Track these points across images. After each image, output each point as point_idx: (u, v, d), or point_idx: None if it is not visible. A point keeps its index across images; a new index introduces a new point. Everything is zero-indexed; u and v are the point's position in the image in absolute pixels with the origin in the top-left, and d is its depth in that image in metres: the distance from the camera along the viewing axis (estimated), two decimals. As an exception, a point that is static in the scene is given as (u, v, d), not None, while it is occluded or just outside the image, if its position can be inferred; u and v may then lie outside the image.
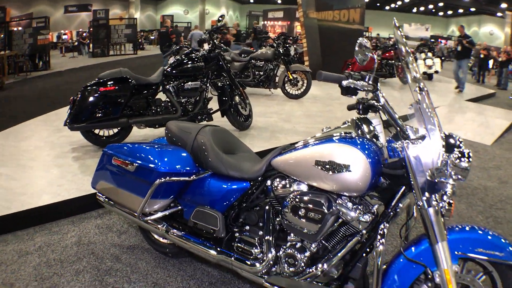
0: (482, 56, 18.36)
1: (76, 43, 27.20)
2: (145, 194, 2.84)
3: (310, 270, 2.40)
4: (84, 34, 26.91)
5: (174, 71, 5.92)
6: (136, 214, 2.96)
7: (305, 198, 2.36)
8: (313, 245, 2.43)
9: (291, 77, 9.69)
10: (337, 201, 2.30)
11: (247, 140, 6.14)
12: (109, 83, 5.36)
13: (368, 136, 2.34)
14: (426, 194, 2.09)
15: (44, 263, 3.23)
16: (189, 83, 5.96)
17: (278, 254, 2.54)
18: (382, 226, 2.22)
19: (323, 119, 7.82)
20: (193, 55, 6.11)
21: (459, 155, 2.01)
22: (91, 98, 5.25)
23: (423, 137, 2.12)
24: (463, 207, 4.60)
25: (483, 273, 2.25)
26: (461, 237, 2.16)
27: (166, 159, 2.80)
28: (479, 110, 10.63)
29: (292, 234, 2.51)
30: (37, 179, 4.58)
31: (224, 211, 2.79)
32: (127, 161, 2.90)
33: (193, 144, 2.87)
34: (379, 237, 2.20)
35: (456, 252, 2.14)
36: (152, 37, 35.12)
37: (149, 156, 2.84)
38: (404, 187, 2.25)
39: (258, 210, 2.71)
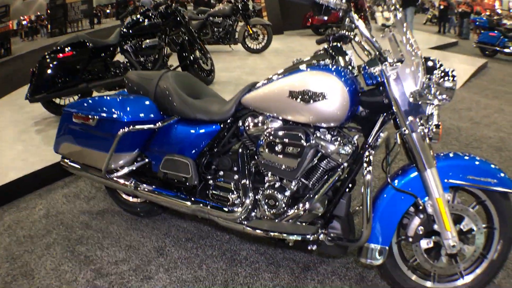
0: (441, 7, 18.22)
1: (33, 26, 26.80)
2: (109, 148, 2.59)
3: (292, 210, 2.23)
4: (43, 17, 26.45)
5: (131, 31, 5.59)
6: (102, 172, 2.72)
7: (281, 133, 2.17)
8: (293, 184, 2.24)
9: (251, 31, 9.37)
10: (315, 134, 2.10)
11: None
12: (66, 49, 5.00)
13: (342, 65, 2.12)
14: (410, 118, 1.95)
15: (14, 241, 2.94)
16: (147, 41, 5.65)
17: (256, 197, 2.34)
18: (367, 153, 2.05)
19: None
20: (149, 12, 5.77)
21: (442, 74, 1.89)
22: (49, 67, 4.89)
23: (401, 60, 1.97)
24: (439, 146, 4.47)
25: (476, 203, 2.15)
26: (450, 164, 2.04)
27: (128, 108, 2.56)
28: (443, 56, 10.48)
29: (269, 174, 2.33)
30: (1, 158, 4.24)
31: (195, 158, 2.56)
32: (88, 116, 2.64)
33: (156, 90, 2.62)
34: (365, 165, 2.02)
35: (446, 180, 2.01)
36: (108, 11, 34.33)
37: (111, 107, 2.59)
38: (384, 115, 2.07)
39: (231, 154, 2.52)
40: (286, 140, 2.14)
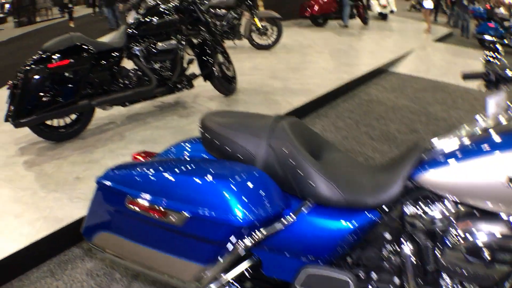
0: None
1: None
2: (206, 259, 1.55)
3: None
4: (8, 6, 23.97)
5: (140, 30, 4.50)
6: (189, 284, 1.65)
7: (488, 229, 1.48)
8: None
9: (259, 26, 8.16)
10: None
11: (241, 108, 4.86)
12: (58, 55, 3.82)
13: None
14: None
15: None
16: (161, 44, 4.55)
17: None
18: None
19: (312, 72, 6.58)
20: (162, 6, 4.69)
21: None
22: (38, 81, 3.73)
23: None
24: None
25: None
26: None
27: (244, 198, 1.45)
28: (454, 52, 9.52)
29: (444, 276, 1.61)
30: None
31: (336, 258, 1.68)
32: (166, 210, 1.53)
33: (268, 155, 1.57)
34: None
35: None
36: None
37: (207, 194, 1.48)
38: None
39: (376, 244, 1.70)
40: (499, 243, 1.48)
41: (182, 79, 4.69)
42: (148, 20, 4.52)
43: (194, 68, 4.92)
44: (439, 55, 9.11)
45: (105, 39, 4.52)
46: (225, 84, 5.20)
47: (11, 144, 4.17)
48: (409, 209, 1.59)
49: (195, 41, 5.01)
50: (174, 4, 4.76)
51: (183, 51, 4.74)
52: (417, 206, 1.58)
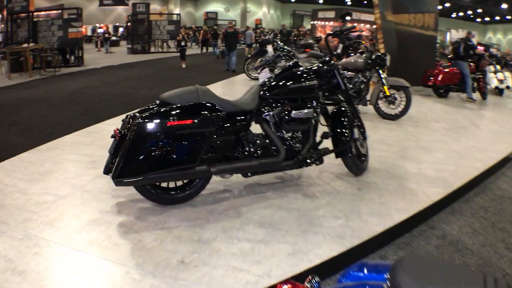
0: None
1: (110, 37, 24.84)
2: None
3: None
4: (121, 29, 27.06)
5: (274, 93, 3.91)
6: None
7: None
8: None
9: (388, 93, 7.43)
10: None
11: (373, 194, 4.09)
12: (177, 111, 3.27)
13: None
14: None
15: None
16: (297, 112, 3.89)
17: None
18: None
19: (444, 155, 5.71)
20: (301, 69, 4.09)
21: None
22: (151, 137, 3.19)
23: None
24: None
25: None
26: None
27: None
28: None
29: None
30: (63, 277, 2.59)
31: None
32: None
33: None
34: None
35: None
36: (192, 34, 33.17)
37: None
38: None
39: None
40: None
41: (313, 153, 4.04)
42: (283, 83, 3.96)
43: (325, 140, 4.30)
44: None
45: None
46: (357, 162, 4.48)
47: (107, 195, 3.75)
48: None
49: (330, 110, 4.38)
50: (313, 67, 4.17)
51: (318, 122, 4.11)
52: None
